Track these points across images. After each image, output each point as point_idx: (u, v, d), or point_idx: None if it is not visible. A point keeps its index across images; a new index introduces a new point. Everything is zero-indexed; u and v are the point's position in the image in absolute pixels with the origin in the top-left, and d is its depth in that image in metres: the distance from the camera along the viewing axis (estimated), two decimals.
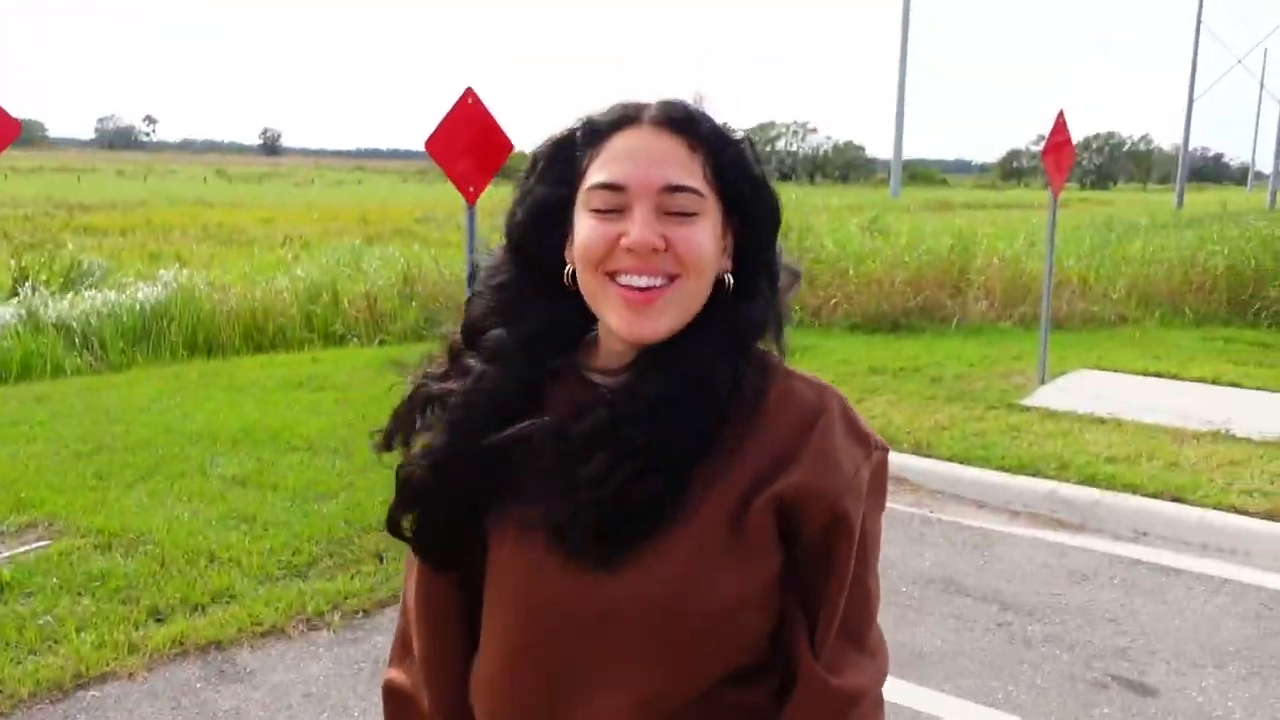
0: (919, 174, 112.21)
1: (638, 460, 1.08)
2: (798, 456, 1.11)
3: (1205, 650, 3.99)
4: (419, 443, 1.21)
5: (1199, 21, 43.96)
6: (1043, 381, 8.07)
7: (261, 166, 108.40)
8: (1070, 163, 7.99)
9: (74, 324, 9.85)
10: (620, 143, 1.12)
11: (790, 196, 13.34)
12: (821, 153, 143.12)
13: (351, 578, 4.40)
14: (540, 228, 1.17)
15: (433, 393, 1.21)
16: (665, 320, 1.11)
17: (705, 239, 1.11)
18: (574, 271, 1.16)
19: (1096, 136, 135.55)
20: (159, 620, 3.97)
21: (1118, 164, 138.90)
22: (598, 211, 1.11)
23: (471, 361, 1.20)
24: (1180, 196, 40.95)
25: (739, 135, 1.17)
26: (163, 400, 7.58)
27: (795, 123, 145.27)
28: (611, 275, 1.11)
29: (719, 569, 1.08)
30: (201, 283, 11.38)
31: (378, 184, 69.47)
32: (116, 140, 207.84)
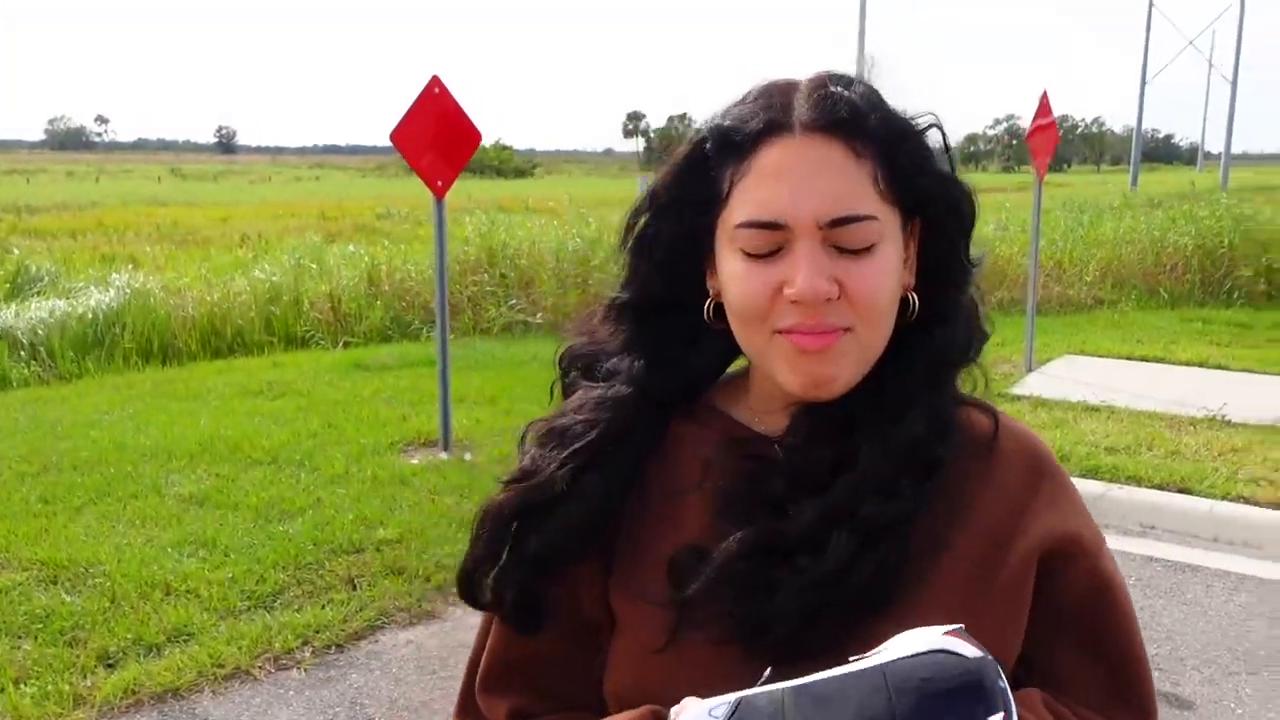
0: None
1: (859, 532, 0.88)
2: (1038, 500, 0.96)
3: (1236, 656, 3.77)
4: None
5: (1150, 5, 44.37)
6: (1030, 369, 7.89)
7: (217, 164, 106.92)
8: (1055, 144, 7.79)
9: (19, 333, 9.40)
10: (767, 160, 0.90)
11: None
12: None
13: (322, 607, 4.07)
14: (674, 271, 0.98)
15: (536, 428, 1.02)
16: (845, 372, 0.92)
17: (886, 276, 0.91)
18: (715, 305, 0.98)
19: (1007, 119, 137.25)
20: (109, 665, 3.62)
21: (1071, 146, 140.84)
22: (750, 255, 0.90)
23: (579, 394, 1.00)
24: (1134, 178, 41.26)
25: (919, 123, 0.93)
26: (114, 412, 7.18)
27: None
28: (778, 331, 0.91)
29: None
30: (156, 286, 10.95)
31: (337, 180, 68.67)
32: (68, 141, 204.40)
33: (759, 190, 0.89)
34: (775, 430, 0.98)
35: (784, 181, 0.88)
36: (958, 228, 0.96)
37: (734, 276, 0.91)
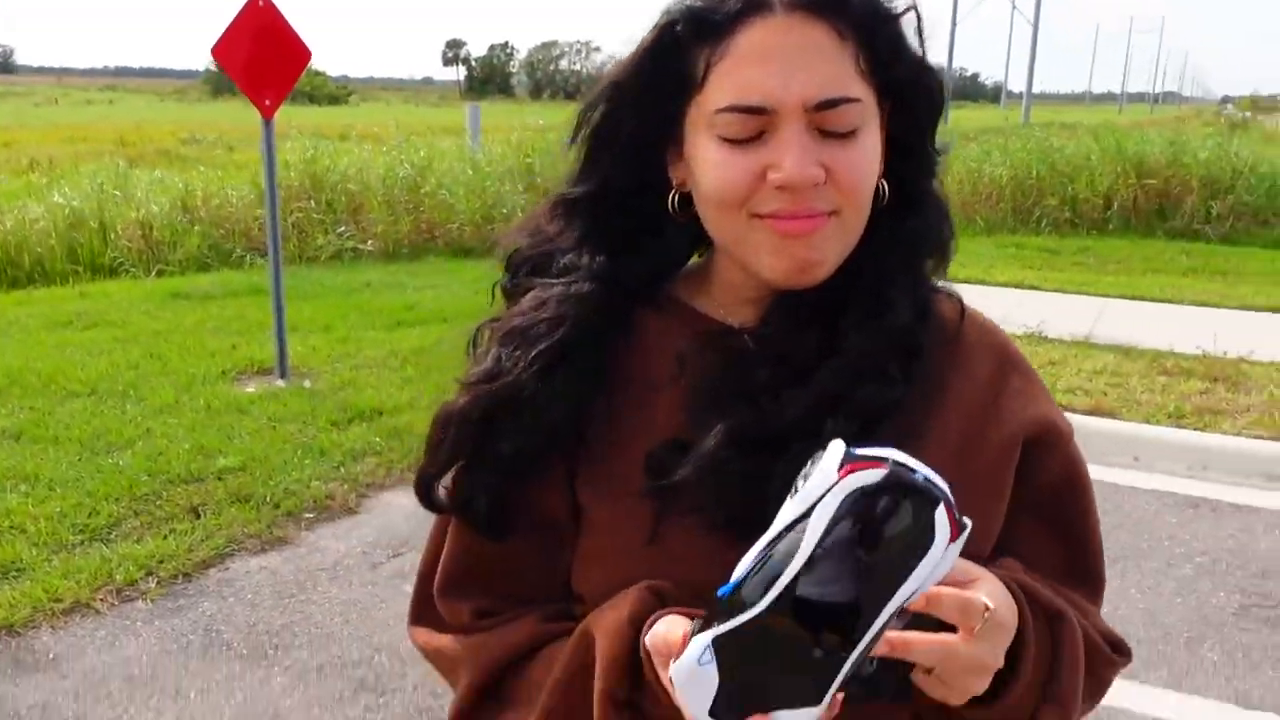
0: None
1: (855, 418, 0.86)
2: (1011, 389, 0.97)
3: None
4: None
5: None
6: None
7: None
8: None
9: None
10: (747, 41, 0.84)
11: None
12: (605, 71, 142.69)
13: (164, 538, 3.86)
14: (635, 163, 0.92)
15: (494, 328, 0.95)
16: (829, 258, 0.88)
17: (870, 160, 0.88)
18: (680, 196, 0.93)
19: None
20: None
21: None
22: (730, 141, 0.85)
23: (535, 292, 0.94)
24: (946, 114, 43.17)
25: (896, 6, 0.89)
26: None
27: (579, 42, 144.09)
28: (758, 215, 0.86)
29: None
30: None
31: (132, 104, 64.22)
32: None
33: (742, 73, 0.84)
34: (744, 323, 0.95)
35: (769, 63, 0.83)
36: (929, 113, 0.93)
37: (711, 163, 0.87)
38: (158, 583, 3.59)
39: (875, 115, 0.88)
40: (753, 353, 0.91)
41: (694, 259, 1.02)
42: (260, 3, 5.63)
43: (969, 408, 0.95)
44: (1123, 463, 4.93)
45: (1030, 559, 0.95)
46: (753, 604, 0.69)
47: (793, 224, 0.85)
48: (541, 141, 12.04)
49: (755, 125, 0.84)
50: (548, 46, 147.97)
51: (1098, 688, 0.95)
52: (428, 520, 3.63)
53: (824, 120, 0.84)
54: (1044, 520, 0.98)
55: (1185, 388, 5.69)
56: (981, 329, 1.01)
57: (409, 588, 3.54)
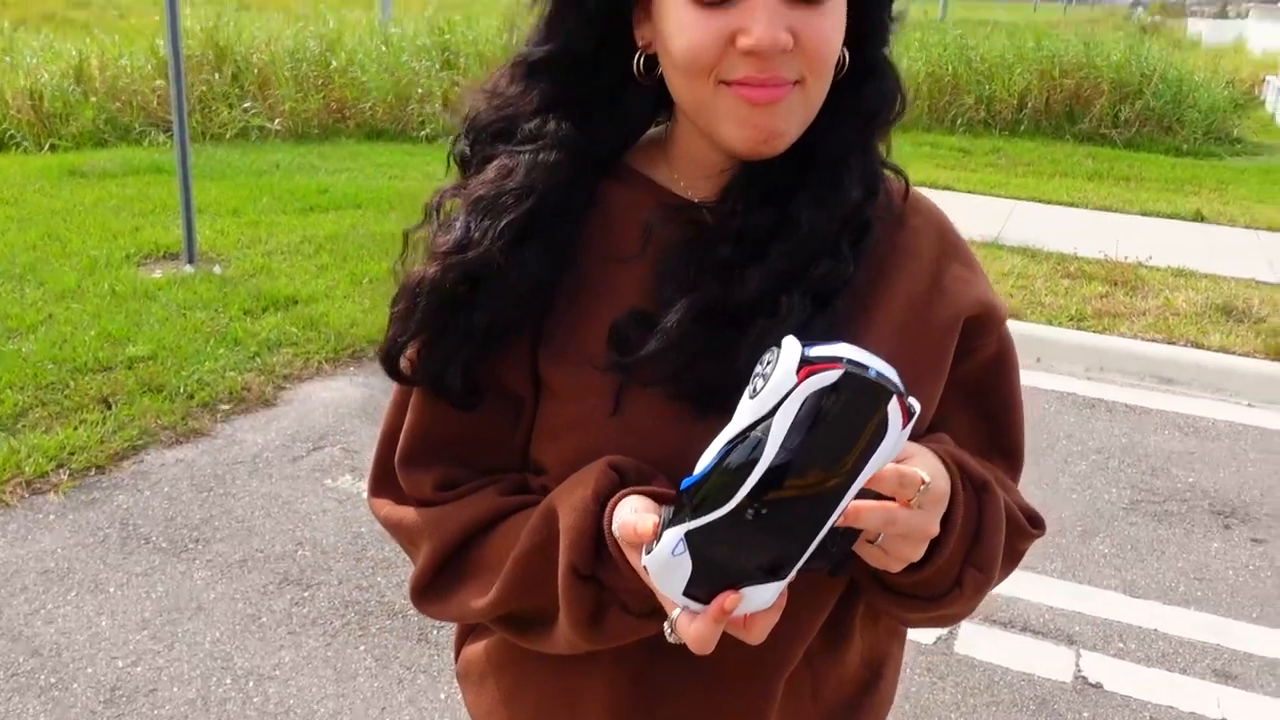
0: None
1: (809, 294, 0.89)
2: (953, 271, 1.00)
3: None
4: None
5: None
6: None
7: None
8: None
9: None
10: None
11: None
12: None
13: (75, 428, 3.77)
14: (601, 24, 0.92)
15: (452, 200, 0.95)
16: (792, 128, 0.89)
17: (836, 28, 0.88)
18: (646, 58, 0.92)
19: None
20: None
21: None
22: (700, 4, 0.85)
23: (501, 159, 0.93)
24: None
25: None
26: None
27: None
28: (724, 81, 0.86)
29: None
30: None
31: None
32: None
33: None
34: (703, 196, 0.96)
35: None
36: None
37: (681, 25, 0.86)
38: (69, 475, 3.53)
39: None
40: (713, 228, 0.93)
41: (652, 128, 1.02)
42: None
43: (915, 288, 0.98)
44: (1026, 363, 5.04)
45: (958, 433, 1.01)
46: (722, 504, 0.73)
47: (759, 92, 0.85)
48: (459, 16, 11.64)
49: None
50: None
51: (1014, 556, 1.01)
52: (348, 413, 3.70)
53: None
54: (974, 397, 1.03)
55: (1086, 291, 5.89)
56: (926, 211, 1.04)
57: (329, 481, 3.56)
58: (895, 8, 0.97)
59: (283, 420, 4.07)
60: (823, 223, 0.92)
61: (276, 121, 9.85)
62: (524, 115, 0.95)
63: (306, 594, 3.01)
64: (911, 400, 0.74)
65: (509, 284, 0.90)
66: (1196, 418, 4.64)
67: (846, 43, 0.91)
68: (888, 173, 1.01)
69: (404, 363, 0.95)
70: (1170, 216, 7.98)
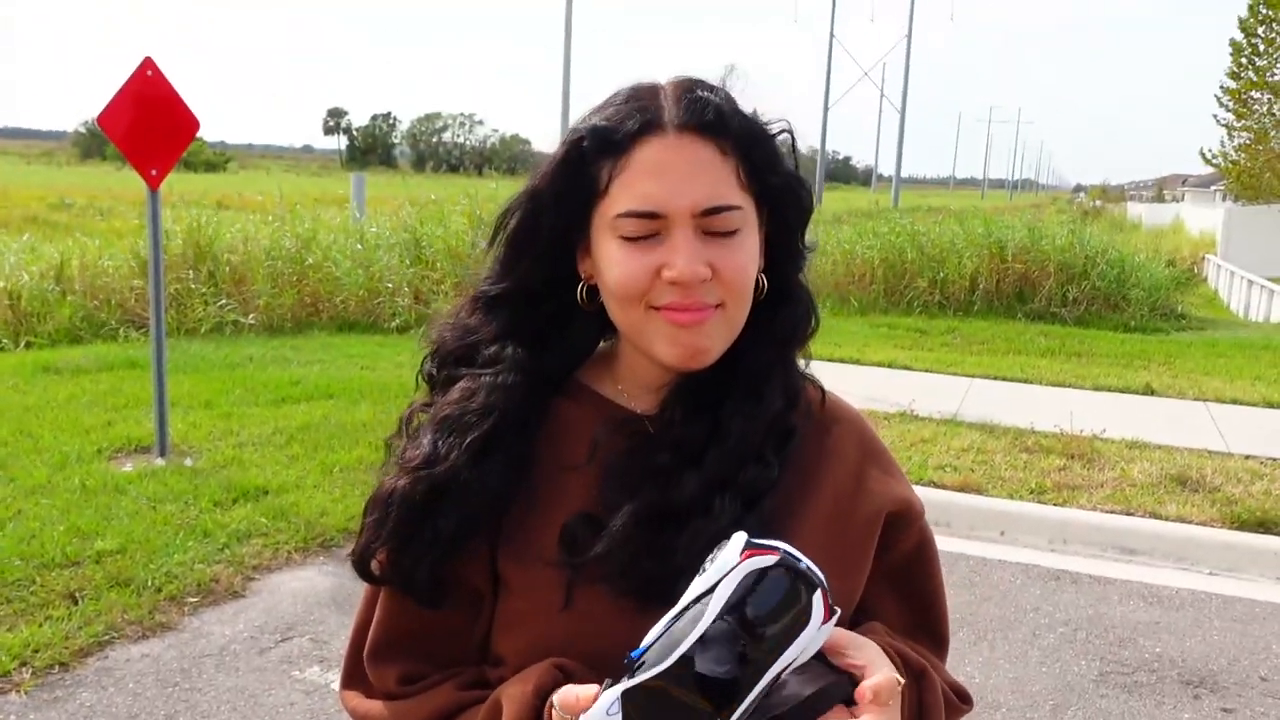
0: None
1: (739, 496, 1.00)
2: (873, 471, 1.11)
3: None
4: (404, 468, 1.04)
5: (831, 38, 48.41)
6: None
7: None
8: None
9: None
10: (644, 156, 0.98)
11: (490, 187, 13.11)
12: (489, 145, 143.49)
13: (39, 625, 3.73)
14: (551, 261, 1.06)
15: (421, 415, 1.07)
16: (716, 344, 1.02)
17: (748, 258, 1.02)
18: (588, 289, 1.06)
19: None
20: None
21: None
22: (629, 240, 0.99)
23: (464, 382, 1.05)
24: (819, 196, 44.85)
25: (773, 128, 1.04)
26: None
27: (462, 114, 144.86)
28: (654, 307, 1.00)
29: None
30: None
31: None
32: None
33: (639, 185, 0.97)
34: (646, 408, 1.08)
35: (663, 177, 0.97)
36: (799, 218, 1.07)
37: (614, 260, 0.99)
38: (32, 673, 3.47)
39: (754, 219, 1.03)
40: (654, 437, 1.04)
41: (600, 345, 1.14)
42: (148, 72, 5.62)
43: (838, 488, 1.09)
44: (990, 537, 5.20)
45: (886, 618, 1.11)
46: (655, 665, 0.81)
47: (684, 315, 0.98)
48: (430, 215, 12.11)
49: (650, 228, 0.97)
50: (430, 118, 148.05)
51: None
52: (317, 603, 3.77)
53: (709, 224, 0.98)
54: (897, 586, 1.13)
55: (1045, 464, 6.04)
56: (846, 417, 1.16)
57: (297, 673, 3.55)
58: (808, 238, 1.11)
59: (251, 611, 4.05)
60: (749, 431, 1.03)
61: (251, 316, 10.09)
62: (484, 342, 1.08)
63: None
64: (836, 607, 0.85)
65: (471, 494, 1.00)
66: (1160, 587, 4.70)
67: (765, 269, 1.05)
68: (807, 383, 1.13)
69: (375, 565, 1.05)
70: (1122, 390, 8.24)
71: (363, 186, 13.39)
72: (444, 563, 1.01)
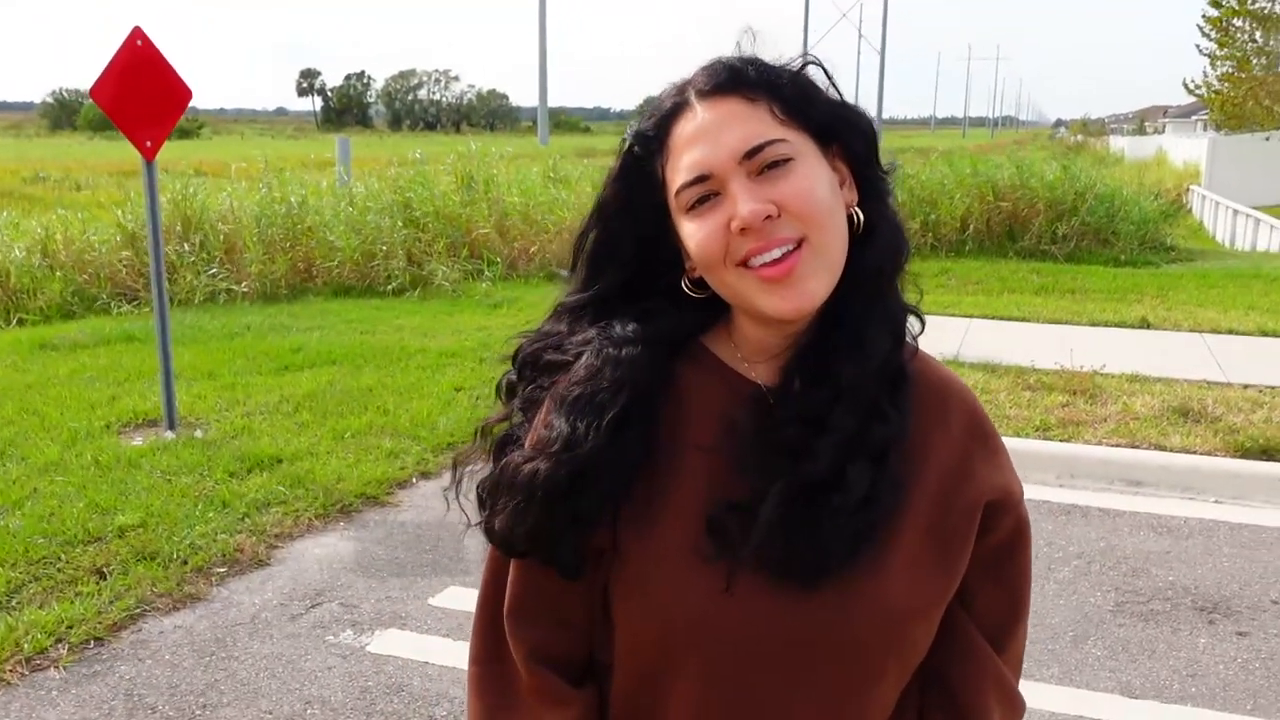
0: (563, 122, 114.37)
1: (861, 457, 1.00)
2: (980, 454, 1.09)
3: None
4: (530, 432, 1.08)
5: None
6: None
7: None
8: None
9: None
10: (680, 133, 1.02)
11: (470, 147, 13.00)
12: (466, 101, 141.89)
13: (70, 602, 3.76)
14: (643, 263, 1.08)
15: (547, 360, 1.09)
16: (814, 284, 1.00)
17: (812, 182, 1.00)
18: (693, 281, 1.07)
19: None
20: None
21: None
22: (695, 210, 1.01)
23: (588, 359, 1.06)
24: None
25: (796, 65, 1.05)
26: None
27: (438, 71, 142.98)
28: (743, 264, 1.00)
29: (928, 580, 1.00)
30: None
31: None
32: None
33: (683, 158, 1.01)
34: (766, 378, 1.07)
35: (699, 142, 1.00)
36: (863, 144, 1.06)
37: (688, 235, 1.02)
38: (69, 649, 3.51)
39: (811, 150, 1.02)
40: (778, 410, 1.04)
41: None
42: (138, 41, 5.55)
43: (944, 468, 1.08)
44: None
45: (981, 604, 1.12)
46: None
47: (773, 270, 0.97)
48: (416, 176, 12.02)
49: (705, 190, 0.99)
50: (405, 76, 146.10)
51: None
52: (342, 568, 3.84)
53: (756, 164, 0.98)
54: (991, 574, 1.12)
55: (1048, 401, 6.10)
56: (956, 389, 1.14)
57: (331, 638, 3.60)
58: (886, 162, 1.09)
59: (278, 580, 4.09)
60: (860, 381, 1.02)
61: (244, 284, 10.03)
62: (572, 341, 1.10)
63: None
64: None
65: (611, 472, 1.02)
66: (1169, 517, 4.78)
67: (858, 204, 1.05)
68: (911, 315, 1.11)
69: (518, 540, 1.06)
70: (1118, 325, 8.30)
71: (348, 149, 13.27)
72: (588, 538, 1.04)
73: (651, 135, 1.03)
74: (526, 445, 1.06)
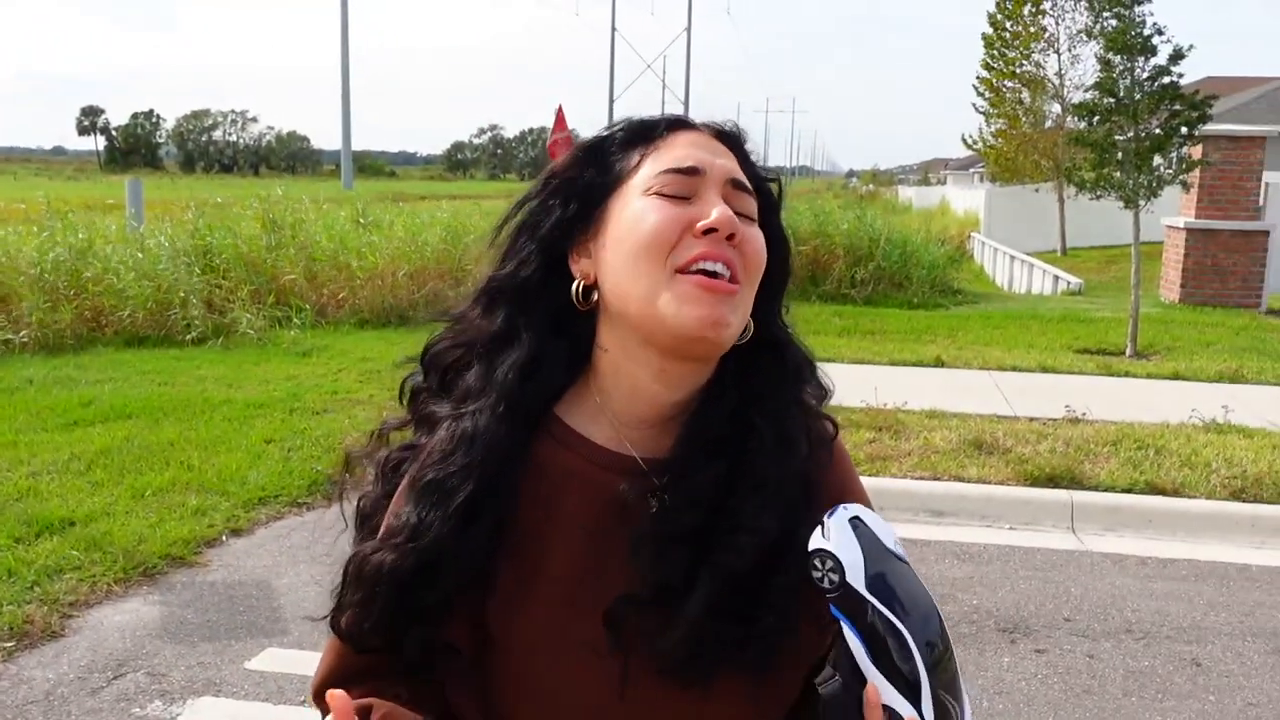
0: (367, 166, 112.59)
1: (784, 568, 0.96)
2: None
3: None
4: (384, 520, 1.00)
5: (613, 32, 49.13)
6: None
7: None
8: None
9: None
10: (680, 139, 1.02)
11: (277, 191, 12.57)
12: (265, 143, 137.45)
13: None
14: (552, 251, 1.03)
15: (398, 459, 1.04)
16: (734, 325, 0.97)
17: (762, 249, 1.01)
18: (583, 289, 1.02)
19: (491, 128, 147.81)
20: None
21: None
22: (663, 196, 0.98)
23: (439, 410, 1.01)
24: None
25: (771, 172, 1.10)
26: None
27: (234, 111, 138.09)
28: (681, 271, 0.96)
29: (814, 645, 0.99)
30: None
31: None
32: None
33: (676, 150, 1.00)
34: (641, 448, 1.01)
35: (697, 147, 1.01)
36: (783, 271, 1.07)
37: (643, 214, 0.97)
38: None
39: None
40: (671, 494, 0.98)
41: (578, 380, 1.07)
42: None
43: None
44: None
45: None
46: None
47: (711, 281, 0.94)
48: (216, 220, 11.53)
49: (689, 186, 0.98)
50: (199, 116, 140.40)
51: None
52: (147, 635, 3.64)
53: (734, 200, 0.98)
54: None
55: (857, 438, 6.37)
56: (840, 453, 1.12)
57: (138, 710, 3.39)
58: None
59: (75, 651, 3.79)
60: (780, 482, 0.98)
61: (23, 334, 9.33)
62: (480, 345, 1.04)
63: None
64: None
65: (459, 564, 0.95)
66: (969, 545, 5.08)
67: (754, 317, 1.02)
68: (824, 421, 1.10)
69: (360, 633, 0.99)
70: (916, 364, 8.80)
71: (139, 191, 12.58)
72: (436, 633, 0.98)
73: (647, 128, 1.03)
74: (379, 535, 1.00)
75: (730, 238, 0.96)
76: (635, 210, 0.98)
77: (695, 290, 0.94)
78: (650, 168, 1.00)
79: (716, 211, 0.95)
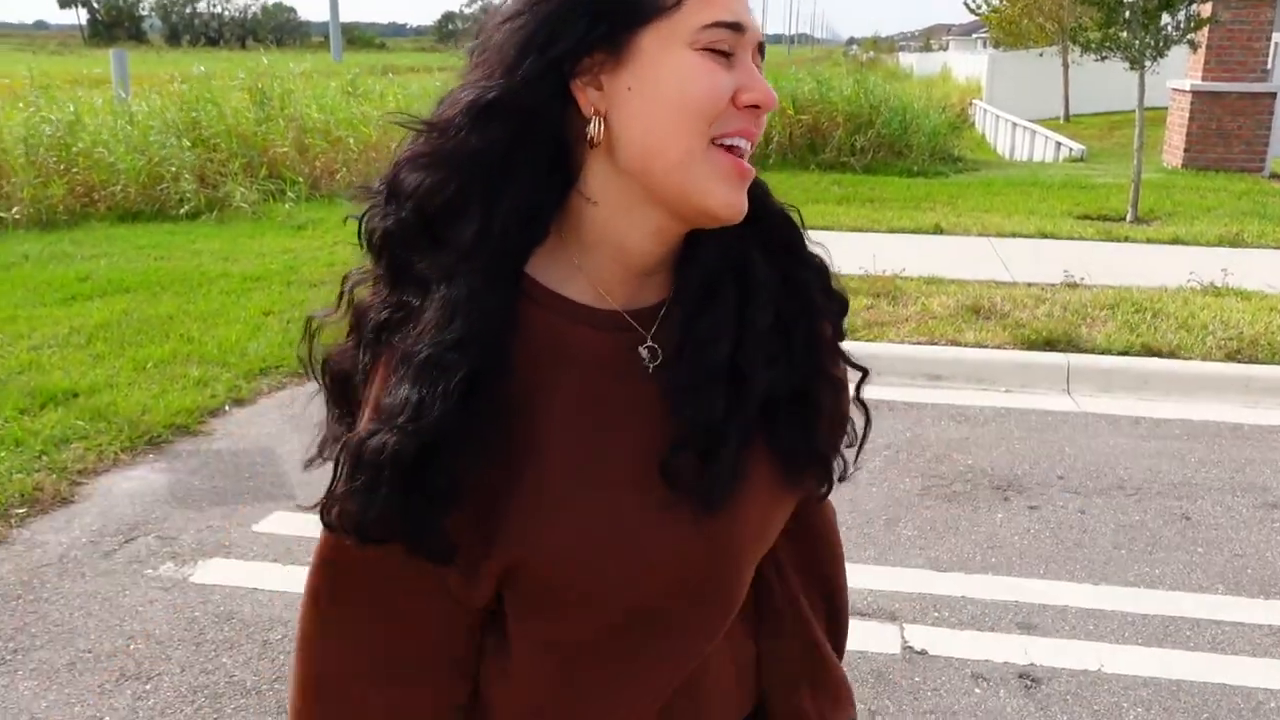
0: (356, 38, 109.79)
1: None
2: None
3: None
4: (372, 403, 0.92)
5: None
6: None
7: None
8: None
9: None
10: None
11: (262, 62, 12.27)
12: (250, 15, 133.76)
13: None
14: (558, 72, 0.88)
15: (381, 321, 0.92)
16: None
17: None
18: (598, 131, 0.89)
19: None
20: None
21: None
22: (713, 53, 0.88)
23: (420, 263, 0.91)
24: None
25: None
26: None
27: None
28: (713, 139, 0.89)
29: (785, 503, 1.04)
30: None
31: None
32: None
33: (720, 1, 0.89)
34: (627, 301, 0.96)
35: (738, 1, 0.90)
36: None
37: (695, 73, 0.87)
38: None
39: None
40: (680, 330, 0.95)
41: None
42: None
43: None
44: None
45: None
46: None
47: (746, 167, 0.90)
48: (203, 93, 11.28)
49: (735, 43, 0.88)
50: None
51: None
52: (156, 501, 3.71)
53: (757, 63, 0.92)
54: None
55: (854, 305, 6.38)
56: None
57: (150, 571, 3.46)
58: None
59: (85, 516, 3.86)
60: (811, 283, 1.05)
61: (15, 210, 9.24)
62: (465, 163, 0.90)
63: (148, 687, 2.89)
64: None
65: (468, 441, 0.88)
66: (965, 407, 5.13)
67: None
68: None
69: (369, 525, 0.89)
70: (914, 231, 8.74)
71: (124, 64, 12.30)
72: (449, 516, 0.89)
73: None
74: (367, 415, 0.91)
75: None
76: (686, 65, 0.88)
77: (731, 170, 0.90)
78: (695, 12, 0.88)
79: (763, 88, 0.90)
